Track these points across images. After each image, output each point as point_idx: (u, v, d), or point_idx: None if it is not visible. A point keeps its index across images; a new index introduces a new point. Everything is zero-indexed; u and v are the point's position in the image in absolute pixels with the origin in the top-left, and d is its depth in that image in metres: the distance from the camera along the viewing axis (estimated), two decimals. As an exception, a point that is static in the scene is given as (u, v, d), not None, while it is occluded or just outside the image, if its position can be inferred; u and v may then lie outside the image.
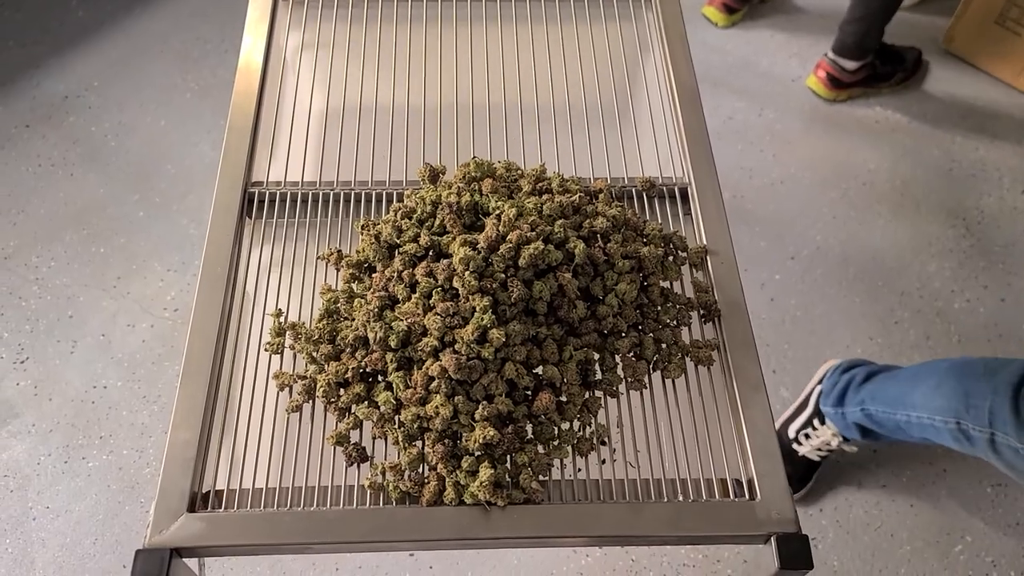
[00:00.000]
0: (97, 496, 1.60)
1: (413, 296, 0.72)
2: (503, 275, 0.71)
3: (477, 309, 0.69)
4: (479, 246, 0.72)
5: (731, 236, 0.85)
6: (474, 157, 0.81)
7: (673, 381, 0.75)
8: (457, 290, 0.71)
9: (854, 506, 1.62)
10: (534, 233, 0.73)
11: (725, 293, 0.80)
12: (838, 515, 1.61)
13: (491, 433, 0.65)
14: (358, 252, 0.78)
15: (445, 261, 0.72)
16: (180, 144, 2.10)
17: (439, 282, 0.72)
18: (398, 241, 0.75)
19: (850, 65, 2.17)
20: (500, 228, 0.72)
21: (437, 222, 0.76)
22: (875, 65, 2.20)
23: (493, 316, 0.69)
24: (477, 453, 0.67)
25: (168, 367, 1.77)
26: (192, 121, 2.14)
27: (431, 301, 0.71)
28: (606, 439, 0.73)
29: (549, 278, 0.73)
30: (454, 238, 0.74)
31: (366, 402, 0.70)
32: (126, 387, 1.74)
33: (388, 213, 0.78)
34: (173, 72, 2.24)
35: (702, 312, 0.80)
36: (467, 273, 0.70)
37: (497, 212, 0.74)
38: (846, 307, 1.88)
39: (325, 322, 0.73)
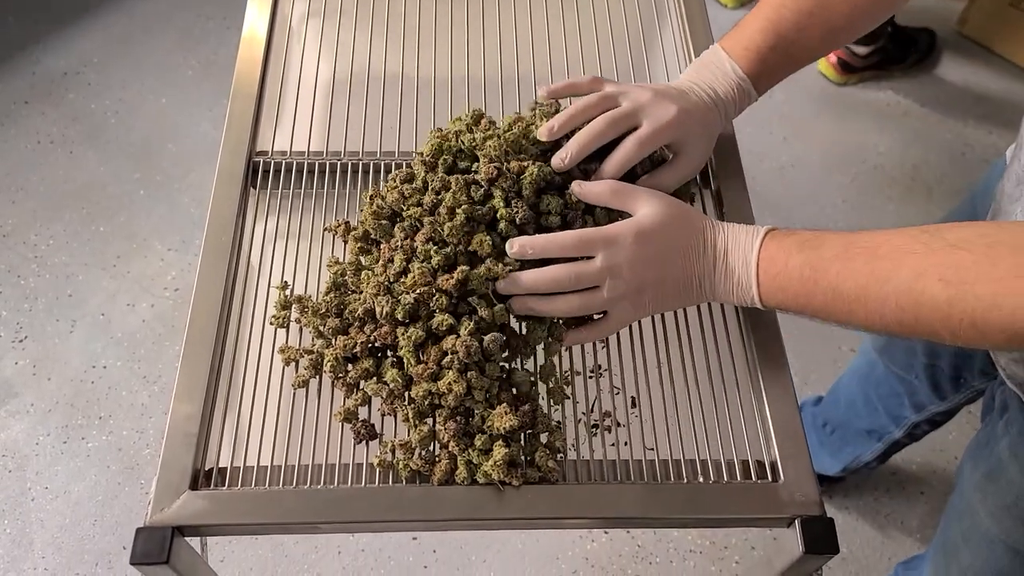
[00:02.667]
0: (96, 477, 1.58)
1: (420, 265, 0.69)
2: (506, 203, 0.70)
3: (482, 244, 0.68)
4: (479, 179, 0.70)
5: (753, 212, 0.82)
6: (472, 111, 0.78)
7: (693, 358, 0.73)
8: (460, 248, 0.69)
9: (864, 492, 1.60)
10: (529, 158, 0.72)
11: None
12: (847, 501, 1.59)
13: (513, 422, 0.63)
14: (362, 223, 0.75)
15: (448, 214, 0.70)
16: (181, 123, 2.07)
17: (440, 236, 0.69)
18: (403, 208, 0.72)
19: (861, 50, 2.14)
20: (494, 162, 0.71)
21: (438, 183, 0.72)
22: (887, 48, 2.17)
23: (491, 239, 0.69)
24: (492, 433, 0.65)
25: (168, 347, 1.74)
26: (194, 99, 2.11)
27: (434, 261, 0.68)
28: (614, 421, 0.71)
29: (555, 195, 0.72)
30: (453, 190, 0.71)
31: (375, 378, 0.68)
32: (126, 367, 1.72)
33: (388, 180, 0.75)
34: (175, 50, 2.20)
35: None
36: (461, 209, 0.68)
37: (486, 151, 0.72)
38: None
39: (332, 295, 0.70)
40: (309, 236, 0.78)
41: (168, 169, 1.99)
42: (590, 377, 0.74)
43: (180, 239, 1.89)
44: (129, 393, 1.69)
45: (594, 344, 0.74)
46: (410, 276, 0.68)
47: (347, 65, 0.89)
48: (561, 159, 0.71)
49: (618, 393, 0.74)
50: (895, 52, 2.18)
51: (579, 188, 0.71)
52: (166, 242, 1.88)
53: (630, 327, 0.74)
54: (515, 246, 0.68)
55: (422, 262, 0.69)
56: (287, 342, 0.71)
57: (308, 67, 0.89)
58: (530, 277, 0.67)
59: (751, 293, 0.66)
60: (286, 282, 0.74)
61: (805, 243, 0.64)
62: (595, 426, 0.72)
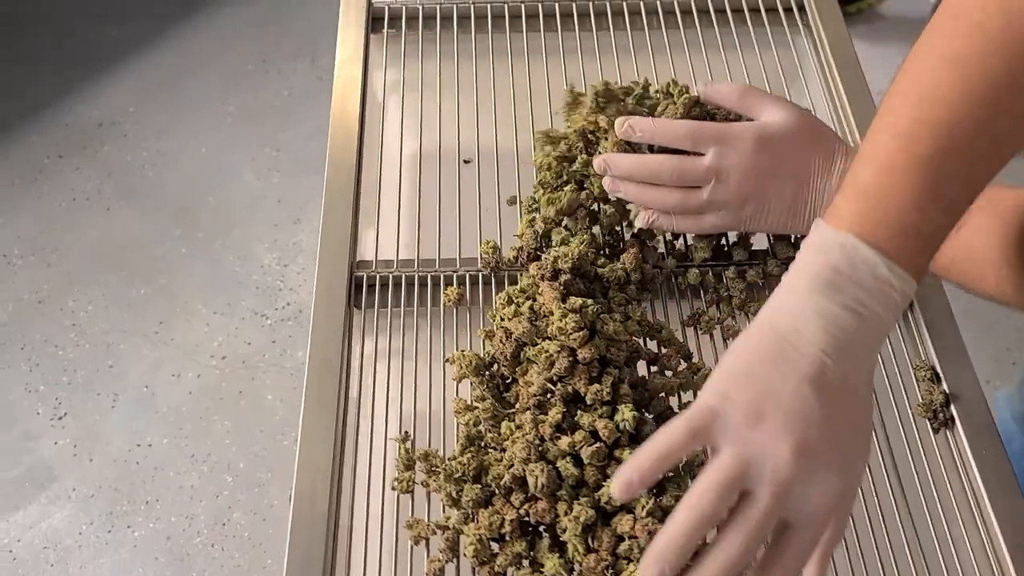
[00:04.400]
0: (143, 570, 1.46)
1: (583, 416, 0.56)
2: None
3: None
4: None
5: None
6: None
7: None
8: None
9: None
10: None
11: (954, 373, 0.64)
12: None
13: None
14: (477, 357, 0.61)
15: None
16: (222, 174, 1.95)
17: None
18: (533, 336, 0.59)
19: None
20: None
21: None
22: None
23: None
24: None
25: (216, 422, 1.62)
26: (234, 148, 1.99)
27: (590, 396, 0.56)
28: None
29: None
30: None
31: (530, 566, 0.54)
32: (172, 445, 1.59)
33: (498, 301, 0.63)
34: (212, 95, 2.09)
35: (932, 415, 0.63)
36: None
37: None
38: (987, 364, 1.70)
39: (469, 455, 0.57)
40: (428, 364, 0.64)
41: (210, 225, 1.88)
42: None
43: (225, 301, 1.77)
44: (176, 474, 1.56)
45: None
46: (565, 439, 0.55)
47: (453, 149, 0.76)
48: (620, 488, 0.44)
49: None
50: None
51: (706, 87, 0.65)
52: (210, 305, 1.76)
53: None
54: (624, 124, 0.62)
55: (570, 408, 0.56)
56: (413, 512, 0.58)
57: (409, 152, 0.76)
58: (629, 162, 0.63)
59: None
60: (407, 432, 0.60)
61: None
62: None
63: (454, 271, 0.68)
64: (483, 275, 0.68)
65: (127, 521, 1.51)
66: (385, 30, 0.84)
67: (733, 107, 0.64)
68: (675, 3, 0.84)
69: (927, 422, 0.63)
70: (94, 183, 1.93)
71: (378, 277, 0.68)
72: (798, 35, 0.84)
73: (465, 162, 0.77)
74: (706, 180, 0.61)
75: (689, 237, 0.70)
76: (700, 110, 0.66)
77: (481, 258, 0.68)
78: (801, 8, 0.85)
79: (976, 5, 0.45)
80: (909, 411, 0.63)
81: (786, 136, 0.61)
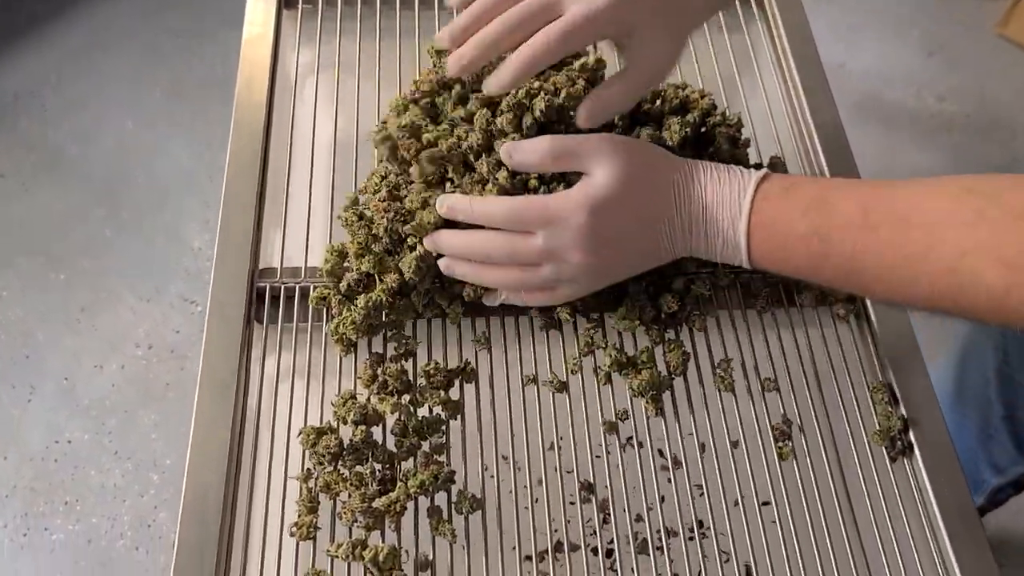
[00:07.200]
0: (63, 576, 1.37)
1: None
2: None
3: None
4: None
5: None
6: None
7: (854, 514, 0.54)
8: None
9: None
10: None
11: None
12: None
13: None
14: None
15: None
16: (151, 150, 1.84)
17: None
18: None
19: None
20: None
21: None
22: None
23: None
24: None
25: (143, 416, 1.53)
26: (163, 123, 1.88)
27: None
28: None
29: None
30: None
31: None
32: (94, 441, 1.50)
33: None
34: (140, 67, 1.96)
35: (890, 442, 0.58)
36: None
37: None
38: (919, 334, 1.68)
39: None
40: (338, 386, 0.57)
41: (138, 204, 1.77)
42: (689, 539, 0.56)
43: (153, 286, 1.66)
44: (99, 472, 1.47)
45: (691, 497, 0.57)
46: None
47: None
48: (456, 62, 0.56)
49: (727, 561, 0.56)
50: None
51: (509, 157, 0.56)
52: (137, 291, 1.66)
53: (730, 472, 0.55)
54: (444, 205, 0.56)
55: None
56: (313, 565, 0.51)
57: (323, 142, 0.68)
58: (457, 240, 0.56)
59: (739, 258, 0.54)
60: (309, 470, 0.54)
61: (811, 206, 0.51)
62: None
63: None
64: (401, 285, 0.61)
65: (44, 523, 1.42)
66: (300, 5, 0.75)
67: (548, 171, 0.56)
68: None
69: (883, 450, 0.58)
70: (11, 160, 1.80)
71: (283, 288, 0.60)
72: (752, 18, 0.78)
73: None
74: (542, 261, 0.54)
75: None
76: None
77: None
78: (756, -12, 0.79)
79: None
80: (865, 438, 0.58)
81: (622, 192, 0.53)
